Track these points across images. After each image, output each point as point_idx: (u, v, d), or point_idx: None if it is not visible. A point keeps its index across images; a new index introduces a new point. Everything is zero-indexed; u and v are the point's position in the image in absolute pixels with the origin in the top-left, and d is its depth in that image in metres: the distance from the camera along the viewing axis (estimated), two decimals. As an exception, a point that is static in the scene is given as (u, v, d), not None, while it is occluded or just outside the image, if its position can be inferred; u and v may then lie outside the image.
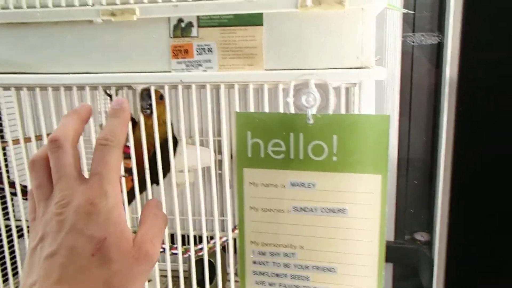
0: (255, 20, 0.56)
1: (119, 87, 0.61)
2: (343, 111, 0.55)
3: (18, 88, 0.63)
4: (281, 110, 0.57)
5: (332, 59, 0.56)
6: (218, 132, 1.13)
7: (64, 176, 0.37)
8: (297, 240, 0.52)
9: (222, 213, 1.28)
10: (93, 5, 0.58)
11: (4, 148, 0.86)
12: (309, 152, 0.51)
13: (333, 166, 0.51)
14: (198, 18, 0.58)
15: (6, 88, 0.63)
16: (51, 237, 0.34)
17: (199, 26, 0.58)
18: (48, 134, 0.69)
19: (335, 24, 0.55)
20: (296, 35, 0.56)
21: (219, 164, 1.32)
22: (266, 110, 0.58)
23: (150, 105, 0.60)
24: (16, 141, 0.77)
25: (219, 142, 1.23)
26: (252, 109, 0.59)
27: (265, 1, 0.54)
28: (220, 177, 1.32)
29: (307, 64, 0.56)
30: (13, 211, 0.74)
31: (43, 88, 0.63)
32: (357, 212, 0.50)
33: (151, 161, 0.63)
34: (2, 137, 0.99)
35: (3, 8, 0.60)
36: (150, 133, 0.61)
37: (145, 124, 0.61)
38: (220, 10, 0.56)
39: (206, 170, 1.35)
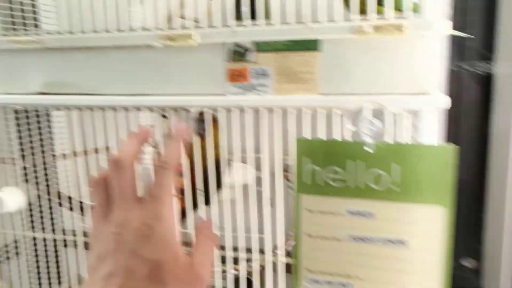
0: (311, 45, 0.56)
1: (175, 109, 0.62)
2: (403, 139, 0.54)
3: (79, 108, 0.66)
4: (337, 136, 0.56)
5: (390, 85, 0.55)
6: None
7: (123, 196, 0.38)
8: (354, 270, 0.51)
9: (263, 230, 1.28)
10: (153, 30, 0.60)
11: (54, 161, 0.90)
12: (369, 181, 0.50)
13: (393, 195, 0.49)
14: (255, 43, 0.58)
15: (68, 108, 0.66)
16: (109, 257, 0.35)
17: (256, 51, 0.58)
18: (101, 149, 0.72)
19: (393, 49, 0.55)
20: (353, 60, 0.56)
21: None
22: (321, 135, 0.57)
23: (204, 128, 0.61)
24: (68, 155, 0.80)
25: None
26: (307, 134, 0.58)
27: (323, 27, 0.54)
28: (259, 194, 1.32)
29: (364, 90, 0.56)
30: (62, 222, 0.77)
31: (101, 108, 0.65)
32: (418, 244, 0.49)
33: (205, 182, 0.64)
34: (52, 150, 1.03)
35: (69, 33, 0.62)
36: (203, 155, 0.62)
37: (201, 147, 0.62)
38: (277, 36, 0.56)
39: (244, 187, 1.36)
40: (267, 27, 0.57)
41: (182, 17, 0.75)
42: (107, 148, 0.81)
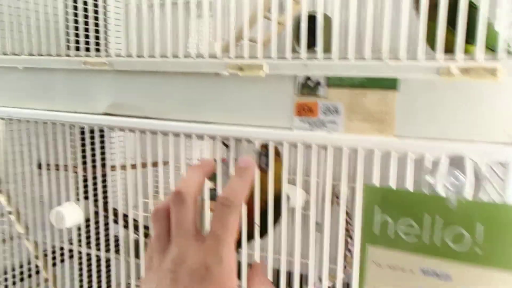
0: (389, 84, 0.53)
1: (238, 140, 0.60)
2: (488, 195, 0.49)
3: (142, 131, 0.66)
4: (410, 184, 0.52)
5: (474, 131, 0.50)
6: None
7: (182, 231, 0.36)
8: (425, 336, 0.46)
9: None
10: (221, 58, 0.59)
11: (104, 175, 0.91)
12: (447, 239, 0.45)
13: (475, 258, 0.44)
14: (327, 77, 0.55)
15: (131, 130, 0.66)
16: None
17: (327, 86, 0.55)
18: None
19: (480, 93, 0.50)
20: (434, 102, 0.51)
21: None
22: (392, 181, 0.53)
23: (267, 161, 0.59)
24: (120, 167, 0.80)
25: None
26: (376, 178, 0.54)
27: (403, 65, 0.50)
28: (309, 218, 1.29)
29: (445, 135, 0.51)
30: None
31: (165, 133, 0.64)
32: (502, 316, 0.44)
33: (261, 216, 0.62)
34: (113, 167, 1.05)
35: (138, 56, 0.63)
36: (263, 189, 0.60)
37: (261, 180, 0.60)
38: (352, 72, 0.53)
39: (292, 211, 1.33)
40: (341, 61, 0.53)
41: (251, 40, 0.73)
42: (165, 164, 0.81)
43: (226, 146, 0.66)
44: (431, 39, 0.52)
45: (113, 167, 0.83)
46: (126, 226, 0.78)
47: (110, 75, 0.67)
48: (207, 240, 0.36)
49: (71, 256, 0.77)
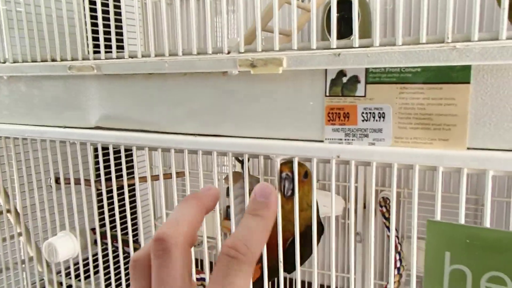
0: (457, 75, 0.38)
1: (254, 156, 0.47)
2: None
3: (139, 148, 0.54)
4: (488, 214, 0.37)
5: None
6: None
7: None
8: None
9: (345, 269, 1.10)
10: (228, 53, 0.46)
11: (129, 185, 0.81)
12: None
13: None
14: (367, 70, 0.41)
15: (140, 148, 0.54)
16: None
17: (367, 82, 0.41)
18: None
19: None
20: (525, 99, 0.36)
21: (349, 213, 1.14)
22: (462, 212, 0.38)
23: (292, 185, 0.45)
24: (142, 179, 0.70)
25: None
26: (439, 204, 0.40)
27: (480, 49, 0.35)
28: (348, 227, 1.14)
29: (544, 146, 0.36)
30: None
31: (166, 149, 0.52)
32: None
33: (288, 250, 0.49)
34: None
35: (130, 57, 0.51)
36: (289, 219, 0.46)
37: (283, 208, 0.47)
38: (403, 61, 0.38)
39: (327, 220, 1.18)
40: (386, 48, 0.39)
41: (265, 30, 0.60)
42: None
43: (241, 162, 0.53)
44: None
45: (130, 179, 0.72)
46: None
47: (100, 81, 0.56)
48: None
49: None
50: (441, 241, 0.34)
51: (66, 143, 0.59)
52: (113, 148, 0.57)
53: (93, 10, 0.54)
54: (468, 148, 0.38)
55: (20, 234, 0.80)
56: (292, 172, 0.45)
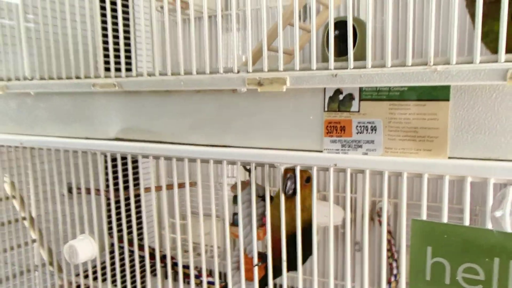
0: (438, 94, 0.43)
1: (260, 165, 0.53)
2: None
3: (156, 157, 0.60)
4: (468, 214, 0.42)
5: (552, 149, 0.40)
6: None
7: None
8: None
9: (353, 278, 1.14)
10: (238, 72, 0.52)
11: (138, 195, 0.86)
12: (526, 291, 0.35)
13: None
14: (361, 89, 0.47)
15: (145, 156, 0.60)
16: None
17: (361, 99, 0.47)
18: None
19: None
20: (497, 115, 0.41)
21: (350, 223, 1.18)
22: (445, 212, 0.43)
23: (294, 188, 0.51)
24: (147, 189, 0.75)
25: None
26: (424, 207, 0.45)
27: (457, 71, 0.41)
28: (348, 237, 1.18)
29: (514, 155, 0.41)
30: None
31: (180, 159, 0.58)
32: None
33: (288, 248, 0.54)
34: (138, 185, 1.00)
35: (149, 75, 0.57)
36: (291, 217, 0.52)
37: (286, 207, 0.52)
38: (391, 81, 0.44)
39: (326, 230, 1.22)
40: (376, 69, 0.45)
41: (274, 50, 0.66)
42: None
43: (248, 170, 0.59)
44: (489, 40, 0.43)
45: (146, 189, 0.77)
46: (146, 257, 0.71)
47: (120, 97, 0.61)
48: None
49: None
50: (423, 237, 0.39)
51: (87, 153, 0.65)
52: (124, 159, 0.62)
53: (114, 30, 0.60)
54: (450, 157, 0.43)
55: (34, 241, 0.85)
56: (295, 175, 0.50)
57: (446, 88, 0.43)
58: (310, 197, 0.52)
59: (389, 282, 1.03)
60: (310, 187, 0.51)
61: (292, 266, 0.56)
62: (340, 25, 0.71)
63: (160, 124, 0.59)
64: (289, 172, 0.51)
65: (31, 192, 0.75)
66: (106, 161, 0.64)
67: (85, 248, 0.64)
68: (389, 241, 1.08)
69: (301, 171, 0.50)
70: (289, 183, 0.51)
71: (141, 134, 0.61)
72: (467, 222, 0.42)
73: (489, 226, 0.39)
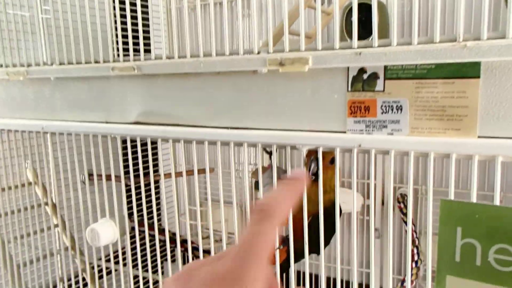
0: (467, 71, 0.42)
1: (282, 147, 0.52)
2: None
3: (175, 140, 0.59)
4: (498, 194, 0.41)
5: None
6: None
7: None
8: None
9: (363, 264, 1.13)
10: (258, 53, 0.51)
11: (156, 182, 0.87)
12: (561, 272, 0.34)
13: None
14: (386, 68, 0.46)
15: (164, 140, 0.60)
16: None
17: (386, 78, 0.46)
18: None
19: None
20: (530, 91, 0.40)
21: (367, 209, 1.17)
22: (474, 193, 0.42)
23: (317, 169, 0.50)
24: (168, 175, 0.75)
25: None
26: (452, 189, 0.44)
27: (488, 46, 0.39)
28: (368, 224, 1.18)
29: (548, 133, 0.39)
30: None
31: (200, 142, 0.57)
32: None
33: (311, 230, 0.53)
34: (157, 171, 1.00)
35: (168, 58, 0.56)
36: (314, 200, 0.51)
37: (309, 190, 0.51)
38: (417, 59, 0.42)
39: (346, 216, 1.22)
40: (403, 47, 0.43)
41: (293, 33, 0.65)
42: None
43: (269, 153, 0.58)
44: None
45: (167, 175, 0.77)
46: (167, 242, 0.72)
47: (140, 81, 0.61)
48: (230, 256, 0.27)
49: (110, 272, 0.73)
50: (453, 217, 0.38)
51: (107, 137, 0.65)
52: (143, 145, 0.62)
53: (133, 17, 0.60)
54: (479, 137, 0.42)
55: (56, 226, 0.86)
56: (318, 158, 0.49)
57: (477, 65, 0.41)
58: (333, 179, 0.51)
59: (410, 268, 1.02)
60: (334, 169, 0.51)
61: (314, 249, 0.55)
62: (360, 8, 0.70)
63: (179, 108, 0.59)
64: (312, 154, 0.50)
65: (52, 178, 0.75)
66: (125, 148, 0.65)
67: (107, 231, 0.65)
68: (412, 229, 1.07)
69: (324, 152, 0.49)
70: (312, 165, 0.50)
71: (160, 117, 0.60)
72: (497, 202, 0.41)
73: (522, 206, 0.38)
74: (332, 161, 0.54)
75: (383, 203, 1.16)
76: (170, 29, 1.14)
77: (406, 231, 1.12)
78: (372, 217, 0.55)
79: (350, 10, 0.79)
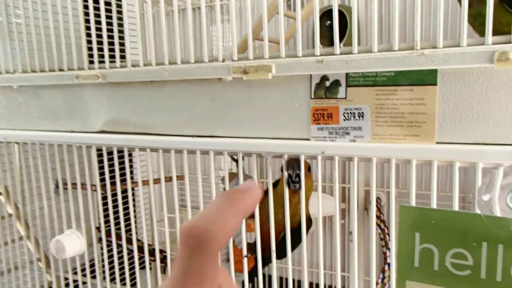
0: (425, 78, 0.43)
1: (248, 154, 0.52)
2: None
3: (142, 149, 0.58)
4: (457, 199, 0.42)
5: (541, 132, 0.39)
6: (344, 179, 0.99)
7: None
8: None
9: (344, 268, 1.14)
10: (223, 61, 0.51)
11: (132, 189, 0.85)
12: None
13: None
14: (347, 75, 0.46)
15: (131, 148, 0.59)
16: None
17: (348, 86, 0.46)
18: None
19: (545, 82, 0.39)
20: (485, 99, 0.41)
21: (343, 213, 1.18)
22: (434, 198, 0.43)
23: (299, 179, 0.49)
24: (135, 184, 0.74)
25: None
26: (413, 194, 0.44)
27: (443, 54, 0.40)
28: (342, 227, 1.18)
29: (503, 138, 0.40)
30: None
31: (166, 150, 0.57)
32: None
33: (280, 240, 0.53)
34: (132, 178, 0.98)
35: (133, 66, 0.55)
36: (295, 212, 0.51)
37: (290, 201, 0.51)
38: (378, 67, 0.43)
39: (327, 219, 1.23)
40: (363, 55, 0.44)
41: (258, 39, 0.65)
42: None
43: (235, 160, 0.58)
44: (478, 23, 0.42)
45: (134, 183, 0.76)
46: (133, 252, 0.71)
47: (107, 89, 0.60)
48: None
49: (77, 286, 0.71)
50: (411, 223, 0.38)
51: (72, 147, 0.63)
52: (110, 154, 0.61)
53: (97, 22, 0.59)
54: (437, 143, 0.43)
55: (21, 238, 0.84)
56: (298, 162, 0.48)
57: (434, 72, 0.42)
58: (311, 189, 0.51)
59: (383, 271, 1.03)
60: (311, 176, 0.51)
61: (281, 255, 0.55)
62: (330, 14, 0.70)
63: (146, 116, 0.58)
64: (293, 161, 0.50)
65: (17, 189, 0.73)
66: (99, 156, 0.63)
67: (72, 243, 0.63)
68: (382, 230, 1.08)
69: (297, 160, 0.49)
70: (293, 173, 0.50)
71: (127, 126, 0.60)
72: (456, 208, 0.42)
73: (478, 211, 0.38)
74: (309, 169, 0.54)
75: (358, 207, 1.17)
76: (143, 36, 1.13)
77: (380, 234, 1.14)
78: (337, 220, 0.55)
79: (323, 14, 0.80)
